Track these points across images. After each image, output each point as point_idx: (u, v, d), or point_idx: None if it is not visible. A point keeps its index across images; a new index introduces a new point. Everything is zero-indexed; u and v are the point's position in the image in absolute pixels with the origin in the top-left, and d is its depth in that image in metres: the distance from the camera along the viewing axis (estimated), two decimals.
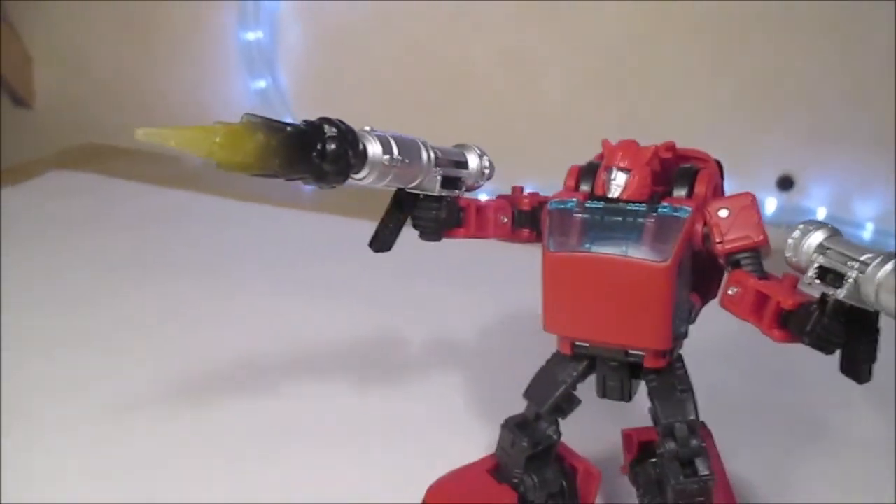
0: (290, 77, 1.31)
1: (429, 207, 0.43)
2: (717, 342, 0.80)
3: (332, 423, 0.65)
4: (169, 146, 0.31)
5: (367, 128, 0.38)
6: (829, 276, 0.36)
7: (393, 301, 0.87)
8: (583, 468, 0.51)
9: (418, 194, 0.43)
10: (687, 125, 1.20)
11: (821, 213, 1.16)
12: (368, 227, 0.45)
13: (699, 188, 0.44)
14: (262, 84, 1.27)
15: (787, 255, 0.39)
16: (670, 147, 0.48)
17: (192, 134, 0.31)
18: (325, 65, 1.31)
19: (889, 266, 0.33)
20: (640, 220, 0.43)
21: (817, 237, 0.38)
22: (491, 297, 0.87)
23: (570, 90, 1.23)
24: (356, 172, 0.37)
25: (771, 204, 1.18)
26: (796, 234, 0.38)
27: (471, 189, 0.45)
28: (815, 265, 0.37)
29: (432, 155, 0.41)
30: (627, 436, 0.50)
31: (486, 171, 0.45)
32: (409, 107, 1.29)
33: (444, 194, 0.43)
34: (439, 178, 0.42)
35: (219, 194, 1.18)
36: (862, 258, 0.35)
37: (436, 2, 1.23)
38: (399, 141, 0.39)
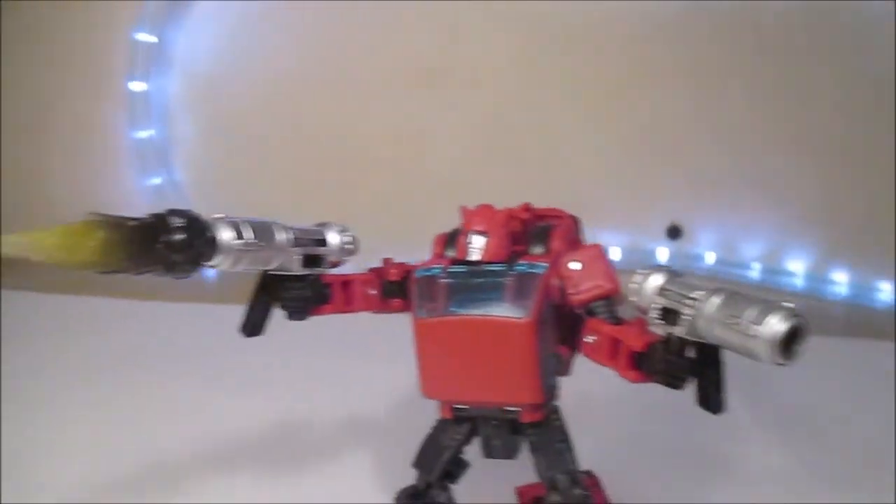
0: (185, 169, 1.31)
1: (293, 287, 0.44)
2: (634, 393, 0.83)
3: None
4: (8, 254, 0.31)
5: (220, 214, 0.39)
6: (671, 315, 0.38)
7: (293, 384, 0.87)
8: None
9: (282, 275, 0.44)
10: (577, 184, 1.25)
11: (710, 258, 1.22)
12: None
13: (554, 244, 0.46)
14: (157, 181, 1.27)
15: (631, 298, 0.41)
16: (527, 208, 0.50)
17: (29, 239, 0.31)
18: (218, 154, 1.31)
19: (716, 300, 0.36)
20: (501, 279, 0.44)
21: (657, 280, 0.40)
22: (397, 369, 0.87)
23: (461, 158, 1.27)
24: (208, 260, 0.38)
25: (663, 253, 1.23)
26: (638, 278, 0.40)
27: (334, 265, 0.46)
28: (657, 306, 0.39)
29: (289, 236, 0.42)
30: (520, 492, 0.50)
31: (349, 247, 0.46)
32: (305, 187, 1.30)
33: (306, 273, 0.43)
34: (299, 257, 0.42)
35: (120, 296, 1.16)
36: (695, 295, 0.37)
37: (321, 82, 1.27)
38: (252, 225, 0.39)
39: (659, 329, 0.39)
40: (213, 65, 1.28)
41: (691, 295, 0.37)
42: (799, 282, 1.21)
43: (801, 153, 1.20)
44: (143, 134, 1.25)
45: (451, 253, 0.48)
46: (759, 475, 0.69)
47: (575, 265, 0.44)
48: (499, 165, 1.26)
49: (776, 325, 0.33)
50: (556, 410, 0.47)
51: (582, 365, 0.46)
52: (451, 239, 0.48)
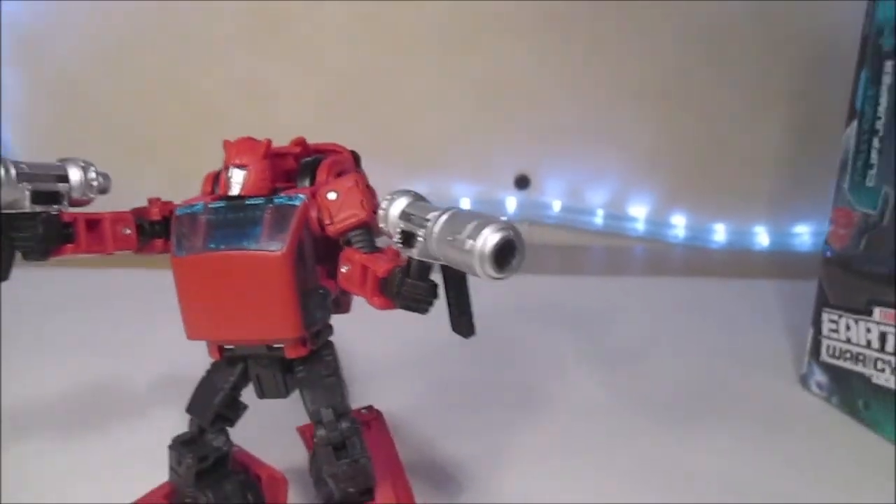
0: (13, 131, 1.22)
1: (24, 226, 0.41)
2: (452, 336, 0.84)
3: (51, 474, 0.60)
4: None
5: None
6: (410, 239, 0.38)
7: (103, 345, 0.84)
8: (266, 475, 0.50)
9: (12, 214, 0.41)
10: (426, 138, 1.25)
11: (556, 206, 1.24)
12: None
13: (320, 177, 0.45)
14: None
15: (381, 225, 0.40)
16: (299, 142, 0.49)
17: None
18: (54, 115, 1.23)
19: (443, 219, 0.35)
20: (259, 213, 0.43)
21: (400, 204, 0.39)
22: None
23: (310, 113, 1.24)
24: None
25: (511, 203, 1.24)
26: (384, 204, 0.40)
27: (80, 203, 0.43)
28: (398, 230, 0.38)
29: (11, 171, 0.39)
30: (301, 432, 0.50)
31: (95, 184, 0.44)
32: (148, 146, 1.24)
33: (37, 210, 0.40)
34: (28, 192, 0.39)
35: None
36: (429, 217, 0.36)
37: (159, 36, 1.20)
38: None
39: (403, 254, 0.38)
40: (38, 19, 1.19)
41: (426, 217, 0.37)
42: (640, 226, 1.25)
43: (639, 104, 1.23)
44: None
45: (217, 190, 0.46)
46: (579, 410, 0.71)
47: (332, 195, 0.43)
48: (347, 120, 1.24)
49: (488, 238, 0.32)
50: (327, 346, 0.46)
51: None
52: (218, 175, 0.46)
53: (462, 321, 0.39)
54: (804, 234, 1.25)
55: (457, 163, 1.25)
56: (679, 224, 1.26)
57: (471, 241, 0.33)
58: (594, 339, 0.89)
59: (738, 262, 1.22)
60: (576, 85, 1.23)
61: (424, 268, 0.37)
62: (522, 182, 1.25)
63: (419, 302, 0.38)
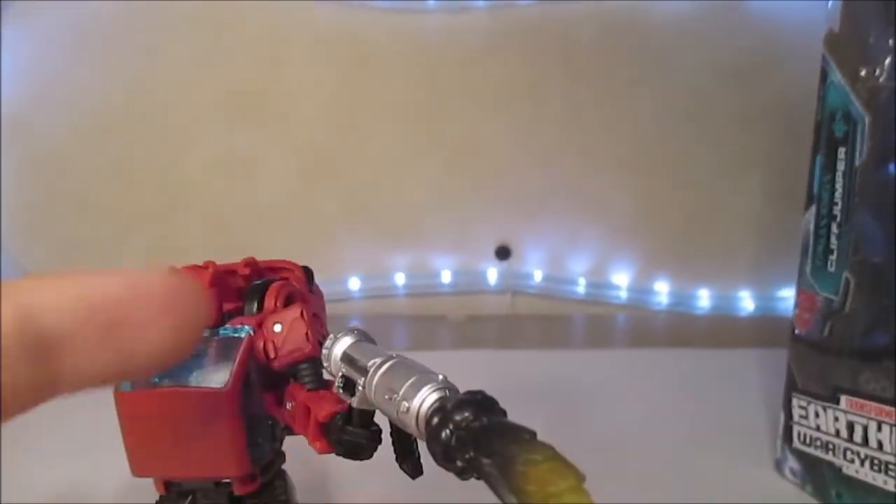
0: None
1: None
2: None
3: None
4: None
5: None
6: (350, 385, 0.37)
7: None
8: None
9: None
10: (405, 209, 1.25)
11: (538, 276, 1.24)
12: None
13: (267, 302, 0.45)
14: None
15: (325, 364, 0.39)
16: (249, 263, 0.48)
17: None
18: (32, 191, 1.23)
19: (381, 371, 0.35)
20: (204, 346, 0.42)
21: (343, 345, 0.38)
22: None
23: (289, 186, 1.25)
24: None
25: (492, 274, 1.24)
26: (328, 342, 0.39)
27: None
28: (340, 375, 0.38)
29: None
30: None
31: None
32: (128, 222, 1.24)
33: None
34: None
35: None
36: (368, 365, 0.36)
37: (140, 113, 1.21)
38: None
39: (345, 398, 0.38)
40: (23, 101, 1.19)
41: (367, 364, 0.36)
42: (623, 294, 1.25)
43: (618, 171, 1.24)
44: None
45: None
46: None
47: (277, 327, 0.42)
48: (327, 192, 1.25)
49: (425, 400, 0.32)
50: (280, 475, 0.45)
51: None
52: None
53: (408, 463, 0.38)
54: (790, 298, 1.24)
55: (437, 234, 1.25)
56: (662, 291, 1.25)
57: (405, 403, 0.32)
58: (564, 423, 0.87)
59: (723, 330, 1.21)
60: (553, 153, 1.23)
61: (366, 415, 0.37)
62: (503, 252, 1.24)
63: (360, 449, 0.37)
